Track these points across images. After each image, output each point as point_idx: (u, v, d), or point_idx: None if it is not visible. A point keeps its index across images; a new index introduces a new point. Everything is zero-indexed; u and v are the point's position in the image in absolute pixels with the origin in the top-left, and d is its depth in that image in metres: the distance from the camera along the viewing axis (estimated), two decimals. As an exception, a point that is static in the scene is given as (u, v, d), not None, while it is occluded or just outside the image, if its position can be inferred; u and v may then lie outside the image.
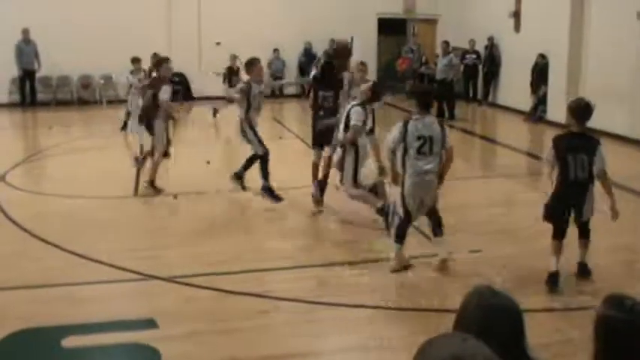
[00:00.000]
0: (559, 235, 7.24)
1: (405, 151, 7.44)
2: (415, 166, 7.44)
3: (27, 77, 20.90)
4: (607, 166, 7.11)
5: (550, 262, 7.20)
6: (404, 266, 7.74)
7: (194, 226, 9.36)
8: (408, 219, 7.71)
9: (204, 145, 15.32)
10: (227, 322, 6.34)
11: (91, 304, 6.78)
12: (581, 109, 7.17)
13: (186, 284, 7.19)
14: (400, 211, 7.70)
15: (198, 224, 9.48)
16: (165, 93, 11.08)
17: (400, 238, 7.72)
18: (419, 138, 7.39)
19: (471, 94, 22.32)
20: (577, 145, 7.05)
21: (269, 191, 10.35)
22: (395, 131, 7.50)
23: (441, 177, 7.70)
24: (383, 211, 8.85)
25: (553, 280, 7.11)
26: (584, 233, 7.35)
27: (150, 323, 6.22)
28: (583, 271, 7.39)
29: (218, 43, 22.08)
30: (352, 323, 6.54)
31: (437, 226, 7.85)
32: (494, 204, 10.70)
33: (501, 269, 7.65)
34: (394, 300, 6.90)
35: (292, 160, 13.52)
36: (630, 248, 8.98)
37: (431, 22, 24.98)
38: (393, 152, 7.58)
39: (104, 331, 6.12)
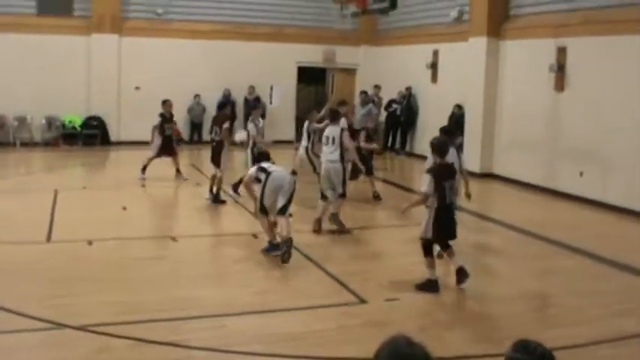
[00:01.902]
0: (430, 251, 8.61)
1: None
2: None
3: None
4: None
5: (429, 274, 8.58)
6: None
7: (107, 273, 9.14)
8: None
9: (121, 190, 15.08)
10: (140, 372, 6.19)
11: (-3, 354, 6.53)
12: (442, 145, 8.68)
13: (99, 333, 6.99)
14: None
15: (112, 272, 9.26)
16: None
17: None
18: None
19: (390, 144, 22.62)
20: (449, 174, 8.49)
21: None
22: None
23: None
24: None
25: (434, 285, 8.54)
26: (448, 247, 8.68)
27: (59, 374, 6.02)
28: (464, 273, 8.62)
29: (137, 88, 21.93)
30: (268, 372, 6.48)
31: None
32: (410, 253, 10.78)
33: (418, 318, 7.72)
34: (312, 348, 6.84)
35: (205, 208, 13.45)
36: (539, 294, 9.19)
37: (350, 71, 25.34)
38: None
39: (11, 382, 5.90)
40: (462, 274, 8.65)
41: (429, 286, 8.56)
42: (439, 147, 8.65)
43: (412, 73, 21.72)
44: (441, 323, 7.67)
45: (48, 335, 7.03)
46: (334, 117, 12.00)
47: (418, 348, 2.46)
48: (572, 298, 8.65)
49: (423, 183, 8.54)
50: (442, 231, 8.50)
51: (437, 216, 8.41)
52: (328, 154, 11.56)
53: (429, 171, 8.55)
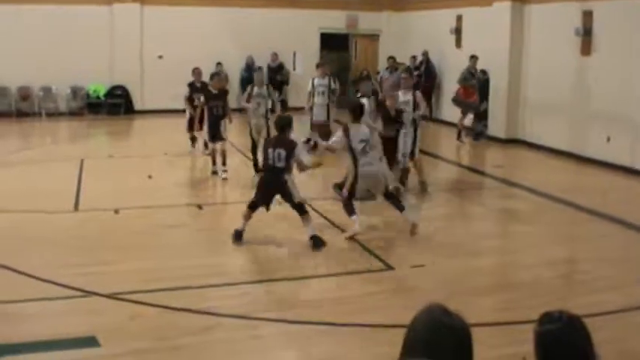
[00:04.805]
0: (253, 208, 9.21)
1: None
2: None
3: (-37, 88, 20.40)
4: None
5: (240, 224, 9.12)
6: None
7: (135, 242, 9.22)
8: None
9: (146, 159, 15.12)
10: (171, 339, 6.23)
11: (28, 322, 6.58)
12: (285, 122, 9.37)
13: (129, 301, 7.06)
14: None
15: (140, 239, 9.34)
16: None
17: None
18: (361, 141, 9.44)
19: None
20: (276, 144, 9.11)
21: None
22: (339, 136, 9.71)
23: None
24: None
25: (239, 235, 9.11)
26: (301, 211, 9.07)
27: (91, 341, 6.07)
28: (318, 243, 8.93)
29: (160, 57, 21.92)
30: (296, 339, 6.51)
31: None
32: (437, 218, 10.77)
33: (445, 284, 7.70)
34: (338, 315, 6.85)
35: (230, 177, 13.45)
36: (568, 260, 9.14)
37: (373, 37, 25.15)
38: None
39: (43, 350, 5.95)
40: (314, 242, 8.95)
41: (235, 235, 9.13)
42: (275, 123, 9.81)
43: (436, 38, 21.49)
44: (468, 290, 7.61)
45: (79, 303, 7.10)
46: None
47: (456, 317, 2.44)
48: (601, 265, 8.58)
49: None
50: (257, 191, 9.25)
51: (260, 177, 9.49)
52: None
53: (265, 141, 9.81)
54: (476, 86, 18.12)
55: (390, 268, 8.26)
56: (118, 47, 21.69)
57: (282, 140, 9.18)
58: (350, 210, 9.47)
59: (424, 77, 21.51)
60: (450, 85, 20.70)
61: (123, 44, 21.71)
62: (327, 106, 15.71)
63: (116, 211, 10.52)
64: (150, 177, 12.84)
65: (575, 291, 7.83)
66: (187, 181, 13.63)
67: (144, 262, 8.33)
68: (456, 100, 18.11)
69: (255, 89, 13.62)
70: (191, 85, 15.35)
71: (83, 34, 20.94)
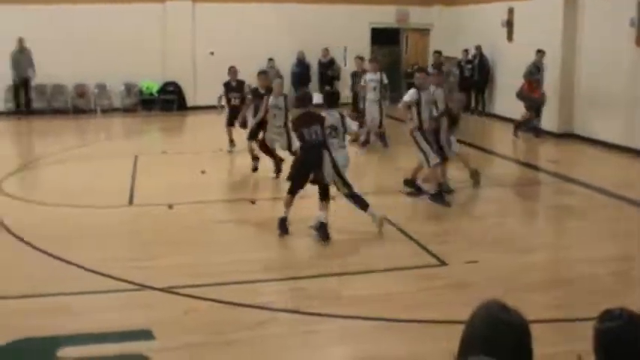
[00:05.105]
0: (292, 190, 9.13)
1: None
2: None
3: (22, 85, 20.79)
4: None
5: (283, 210, 9.14)
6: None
7: (190, 237, 9.33)
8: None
9: (199, 154, 15.25)
10: (225, 333, 6.29)
11: (86, 314, 6.72)
12: (301, 98, 9.74)
13: (183, 295, 7.14)
14: None
15: (194, 234, 9.44)
16: None
17: None
18: (328, 127, 9.48)
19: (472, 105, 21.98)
20: (308, 121, 9.12)
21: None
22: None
23: None
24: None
25: (283, 223, 9.12)
26: (324, 195, 9.06)
27: (146, 334, 6.17)
28: (320, 229, 8.94)
29: (212, 53, 22.08)
30: (350, 335, 6.52)
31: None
32: (490, 214, 10.69)
33: (499, 281, 7.64)
34: (392, 311, 6.82)
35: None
36: (623, 257, 8.98)
37: (424, 32, 25.02)
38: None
39: (100, 342, 6.06)
40: (320, 230, 8.97)
41: (280, 224, 9.15)
42: (297, 99, 9.95)
43: (487, 32, 21.27)
44: (522, 286, 7.51)
45: (134, 296, 7.23)
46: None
47: (514, 314, 2.42)
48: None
49: None
50: (294, 170, 9.27)
51: (296, 158, 9.55)
52: None
53: (292, 121, 9.98)
54: (541, 81, 17.79)
55: (443, 263, 8.23)
56: (170, 44, 21.95)
57: (312, 116, 9.25)
58: (362, 204, 9.31)
59: (477, 71, 21.39)
60: (502, 79, 20.55)
61: (175, 41, 21.96)
62: (379, 101, 15.71)
63: (170, 206, 10.64)
64: (203, 172, 12.93)
65: (631, 288, 7.69)
66: (239, 177, 13.72)
67: (197, 257, 8.42)
68: (520, 95, 17.79)
69: (272, 99, 12.50)
70: (227, 85, 15.28)
71: (136, 31, 21.23)
